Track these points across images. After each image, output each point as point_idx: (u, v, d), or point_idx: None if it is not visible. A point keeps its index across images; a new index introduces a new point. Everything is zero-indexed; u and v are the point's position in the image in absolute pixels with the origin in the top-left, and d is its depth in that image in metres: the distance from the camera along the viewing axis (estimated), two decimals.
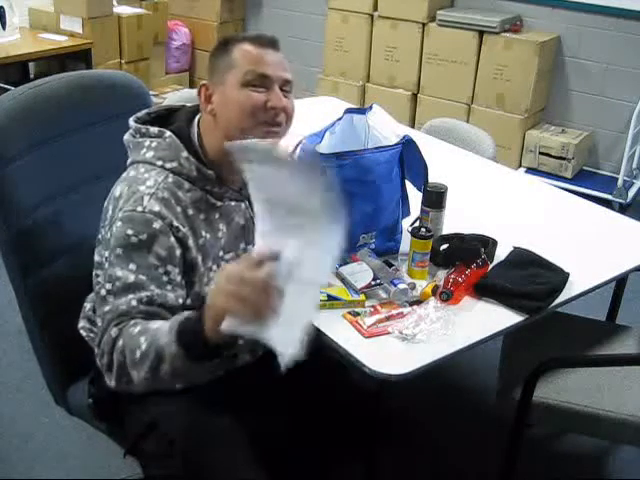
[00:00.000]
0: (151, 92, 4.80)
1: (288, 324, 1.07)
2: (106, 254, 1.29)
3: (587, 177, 4.05)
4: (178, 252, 1.28)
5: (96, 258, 1.41)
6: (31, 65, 4.39)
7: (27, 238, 1.47)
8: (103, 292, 1.27)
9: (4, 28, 3.99)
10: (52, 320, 1.53)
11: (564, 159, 3.95)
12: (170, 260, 1.27)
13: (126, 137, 1.40)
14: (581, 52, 4.01)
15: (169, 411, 1.41)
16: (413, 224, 1.82)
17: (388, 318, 1.52)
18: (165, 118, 1.43)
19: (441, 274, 1.64)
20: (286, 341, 1.06)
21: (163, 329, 1.18)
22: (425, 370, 1.40)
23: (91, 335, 1.47)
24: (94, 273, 1.42)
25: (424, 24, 4.12)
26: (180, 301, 1.29)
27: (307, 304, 1.13)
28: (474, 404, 2.38)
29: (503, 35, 3.91)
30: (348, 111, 1.83)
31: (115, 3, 4.44)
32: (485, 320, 1.55)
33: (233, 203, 1.41)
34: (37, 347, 1.57)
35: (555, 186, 2.40)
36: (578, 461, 2.19)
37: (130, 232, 1.25)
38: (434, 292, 1.58)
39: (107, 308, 1.25)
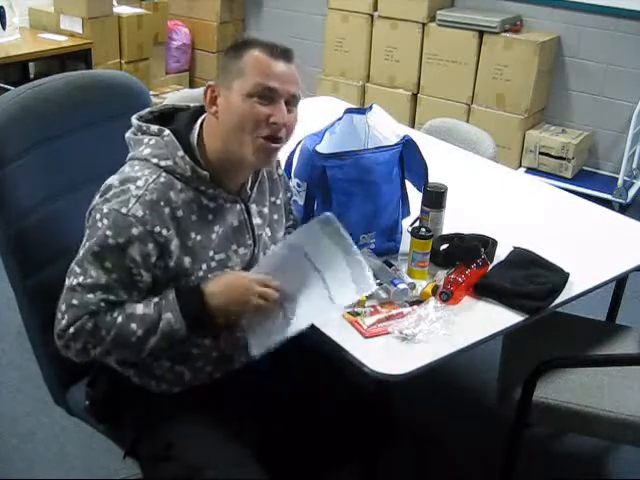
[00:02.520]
0: (151, 92, 4.81)
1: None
2: (85, 241, 1.30)
3: (587, 177, 4.05)
4: (154, 259, 1.30)
5: None
6: (31, 65, 4.39)
7: (27, 238, 1.47)
8: (74, 282, 1.29)
9: (4, 28, 3.99)
10: (52, 321, 1.53)
11: (564, 159, 3.95)
12: (144, 266, 1.30)
13: (127, 134, 1.40)
14: (581, 52, 4.01)
15: (166, 414, 1.41)
16: (413, 224, 1.82)
17: (388, 318, 1.52)
18: (169, 117, 1.42)
19: (441, 274, 1.64)
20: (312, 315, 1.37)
21: (165, 317, 1.31)
22: (425, 370, 1.40)
23: None
24: None
25: (424, 24, 4.12)
26: (141, 297, 1.34)
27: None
28: (474, 404, 2.38)
29: (503, 35, 3.91)
30: (348, 111, 1.83)
31: (115, 3, 4.44)
32: (485, 320, 1.55)
33: (228, 205, 1.39)
34: (37, 348, 1.57)
35: (555, 186, 2.40)
36: (578, 461, 2.19)
37: (109, 233, 1.27)
38: (434, 292, 1.58)
39: (75, 302, 1.29)
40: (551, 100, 4.18)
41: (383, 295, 1.60)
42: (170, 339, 1.32)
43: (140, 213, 1.27)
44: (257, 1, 5.12)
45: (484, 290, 1.62)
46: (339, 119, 1.81)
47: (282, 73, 1.32)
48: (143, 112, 1.42)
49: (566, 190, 2.33)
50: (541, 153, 3.99)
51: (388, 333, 1.48)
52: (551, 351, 1.79)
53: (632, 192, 3.91)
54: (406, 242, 1.72)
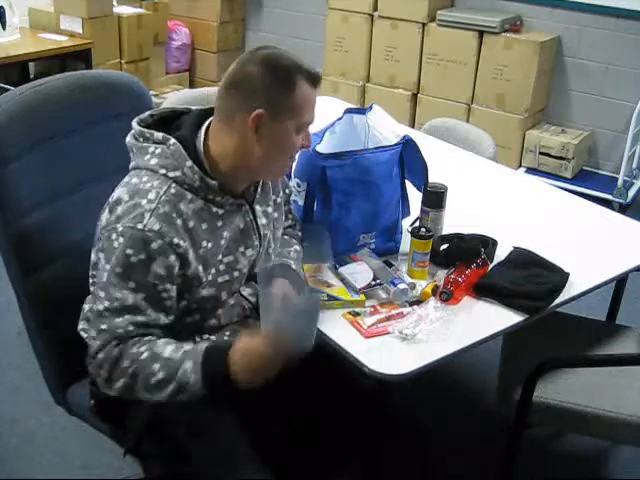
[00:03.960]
0: (151, 92, 4.79)
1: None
2: (104, 264, 1.28)
3: (587, 177, 4.05)
4: (176, 270, 1.29)
5: (93, 258, 1.40)
6: (31, 65, 4.39)
7: (27, 239, 1.47)
8: (101, 307, 1.27)
9: (4, 28, 3.99)
10: (52, 321, 1.53)
11: (564, 159, 3.95)
12: (168, 279, 1.28)
13: (129, 139, 1.38)
14: (581, 52, 4.01)
15: (172, 411, 1.41)
16: (413, 224, 1.82)
17: (388, 318, 1.52)
18: (169, 120, 1.41)
19: (441, 274, 1.64)
20: None
21: (185, 366, 1.25)
22: (425, 370, 1.40)
23: None
24: (90, 273, 1.42)
25: (424, 24, 4.12)
26: (170, 319, 1.32)
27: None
28: (474, 404, 2.38)
29: (503, 35, 3.91)
30: (348, 111, 1.83)
31: (115, 3, 4.44)
32: (485, 320, 1.55)
33: (234, 208, 1.40)
34: (37, 348, 1.57)
35: (555, 186, 2.40)
36: (578, 461, 2.19)
37: (130, 252, 1.25)
38: (434, 292, 1.58)
39: (104, 327, 1.27)
40: (551, 100, 4.18)
41: (383, 295, 1.60)
42: (185, 392, 1.25)
43: (157, 227, 1.25)
44: (257, 1, 5.12)
45: (484, 290, 1.62)
46: (339, 119, 1.81)
47: (316, 102, 1.38)
48: (143, 116, 1.40)
49: (566, 190, 2.33)
50: (541, 153, 3.99)
51: (388, 333, 1.48)
52: (551, 351, 1.79)
53: (632, 192, 3.91)
54: (406, 242, 1.72)
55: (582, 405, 1.70)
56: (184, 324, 1.38)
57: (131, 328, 1.27)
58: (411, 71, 4.25)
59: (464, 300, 1.60)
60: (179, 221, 1.29)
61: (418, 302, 1.58)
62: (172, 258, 1.27)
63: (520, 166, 4.05)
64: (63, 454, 2.11)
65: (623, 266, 1.80)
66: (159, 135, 1.34)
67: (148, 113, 1.42)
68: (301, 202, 1.71)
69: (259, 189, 1.47)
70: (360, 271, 1.64)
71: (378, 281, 1.61)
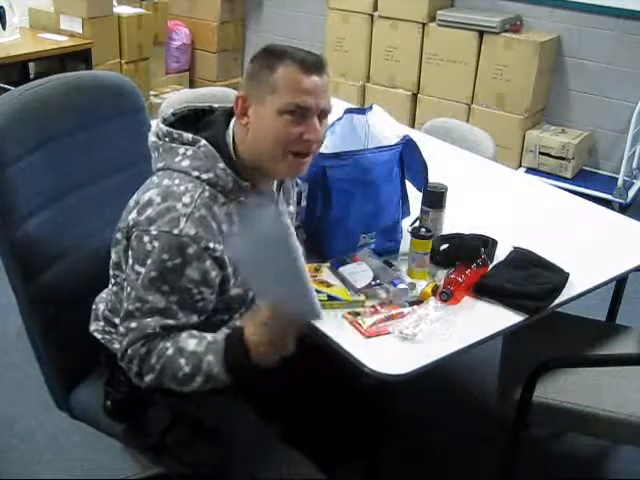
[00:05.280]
0: (151, 92, 4.80)
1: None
2: (134, 264, 1.27)
3: (587, 177, 4.05)
4: (214, 274, 1.28)
5: (114, 258, 1.39)
6: (31, 65, 4.39)
7: (28, 241, 1.46)
8: (132, 308, 1.27)
9: (4, 28, 3.98)
10: (54, 324, 1.52)
11: (564, 159, 3.95)
12: (204, 283, 1.27)
13: (153, 139, 1.36)
14: (581, 52, 4.01)
15: (198, 398, 1.40)
16: (413, 224, 1.82)
17: (388, 318, 1.52)
18: (192, 118, 1.40)
19: (441, 274, 1.64)
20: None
21: (208, 358, 1.25)
22: (425, 370, 1.40)
23: (107, 337, 1.46)
24: (112, 273, 1.41)
25: (424, 24, 4.12)
26: (202, 318, 1.32)
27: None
28: (474, 404, 2.37)
29: (503, 35, 3.91)
30: (348, 111, 1.83)
31: (115, 3, 4.44)
32: (485, 320, 1.55)
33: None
34: (38, 352, 1.56)
35: (555, 186, 2.40)
36: (578, 461, 2.19)
37: (165, 257, 1.24)
38: (434, 292, 1.58)
39: (134, 325, 1.27)
40: (551, 100, 4.18)
41: (383, 295, 1.60)
42: (212, 381, 1.27)
43: (193, 232, 1.24)
44: (257, 1, 5.12)
45: (484, 290, 1.62)
46: (339, 119, 1.81)
47: (314, 89, 1.29)
48: (166, 115, 1.39)
49: (566, 190, 2.33)
50: (541, 153, 3.99)
51: (388, 333, 1.48)
52: (551, 351, 1.79)
53: (632, 192, 3.91)
54: (406, 242, 1.72)
55: (582, 405, 1.70)
56: (211, 322, 1.37)
57: (159, 330, 1.27)
58: (411, 71, 4.25)
59: (464, 300, 1.60)
60: (214, 224, 1.28)
61: (418, 302, 1.58)
62: (208, 263, 1.26)
63: (520, 166, 4.06)
64: (63, 454, 2.11)
65: (623, 266, 1.80)
66: (188, 136, 1.32)
67: (171, 111, 1.40)
68: (302, 202, 1.71)
69: (281, 189, 1.47)
70: (360, 271, 1.64)
71: (378, 281, 1.61)
